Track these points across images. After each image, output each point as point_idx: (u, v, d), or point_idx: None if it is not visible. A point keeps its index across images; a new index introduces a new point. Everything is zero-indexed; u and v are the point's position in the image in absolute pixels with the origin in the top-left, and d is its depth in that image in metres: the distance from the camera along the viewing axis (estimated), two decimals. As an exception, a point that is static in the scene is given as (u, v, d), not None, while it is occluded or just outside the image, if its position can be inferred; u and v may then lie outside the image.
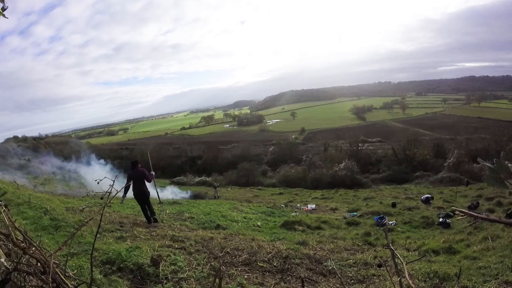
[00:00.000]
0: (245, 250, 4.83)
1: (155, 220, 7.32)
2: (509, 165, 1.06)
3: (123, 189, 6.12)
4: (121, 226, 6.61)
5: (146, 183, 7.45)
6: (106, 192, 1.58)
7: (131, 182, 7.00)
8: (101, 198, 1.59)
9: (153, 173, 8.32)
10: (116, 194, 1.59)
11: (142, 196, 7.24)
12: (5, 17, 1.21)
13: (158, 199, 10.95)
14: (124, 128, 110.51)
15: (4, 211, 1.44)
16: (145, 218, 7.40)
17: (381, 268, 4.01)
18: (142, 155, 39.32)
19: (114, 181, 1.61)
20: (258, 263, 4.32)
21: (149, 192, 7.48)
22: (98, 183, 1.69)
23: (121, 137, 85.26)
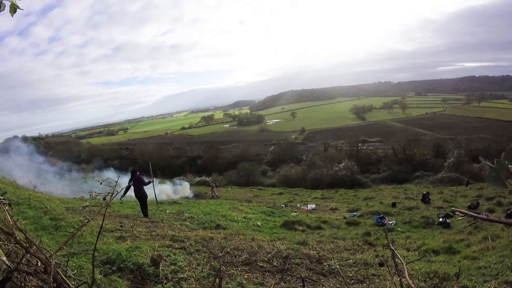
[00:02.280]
0: (245, 250, 4.83)
1: (146, 216, 8.75)
2: (510, 166, 1.07)
3: (124, 189, 8.51)
4: (121, 226, 6.62)
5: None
6: (108, 193, 1.58)
7: (131, 185, 8.75)
8: (104, 199, 1.60)
9: (152, 180, 9.59)
10: (117, 194, 1.59)
11: (140, 196, 8.81)
12: (19, 8, 1.17)
13: (155, 200, 10.92)
14: (124, 128, 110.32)
15: (7, 210, 1.45)
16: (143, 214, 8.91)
17: (382, 268, 4.01)
18: (142, 156, 39.39)
19: (116, 182, 1.62)
20: (258, 263, 4.33)
21: (146, 195, 8.95)
22: (100, 183, 1.69)
23: (121, 137, 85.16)
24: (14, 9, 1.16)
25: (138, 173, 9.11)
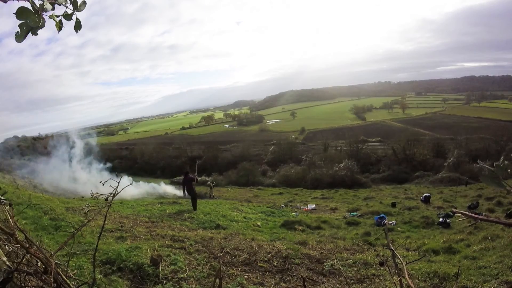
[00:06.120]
0: (245, 250, 4.83)
1: (194, 209, 10.24)
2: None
3: (182, 189, 10.95)
4: (121, 226, 6.62)
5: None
6: (110, 193, 1.58)
7: (185, 185, 10.67)
8: (106, 200, 1.59)
9: (196, 175, 11.17)
10: (117, 194, 1.59)
11: (190, 194, 10.65)
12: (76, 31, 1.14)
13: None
14: (124, 128, 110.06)
15: (7, 210, 1.45)
16: (192, 207, 10.47)
17: (382, 268, 4.01)
18: (142, 156, 39.36)
19: (118, 182, 1.62)
20: (258, 263, 4.33)
21: (195, 193, 10.72)
22: (103, 184, 1.68)
23: (120, 137, 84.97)
24: (60, 27, 1.12)
25: (189, 174, 10.94)
